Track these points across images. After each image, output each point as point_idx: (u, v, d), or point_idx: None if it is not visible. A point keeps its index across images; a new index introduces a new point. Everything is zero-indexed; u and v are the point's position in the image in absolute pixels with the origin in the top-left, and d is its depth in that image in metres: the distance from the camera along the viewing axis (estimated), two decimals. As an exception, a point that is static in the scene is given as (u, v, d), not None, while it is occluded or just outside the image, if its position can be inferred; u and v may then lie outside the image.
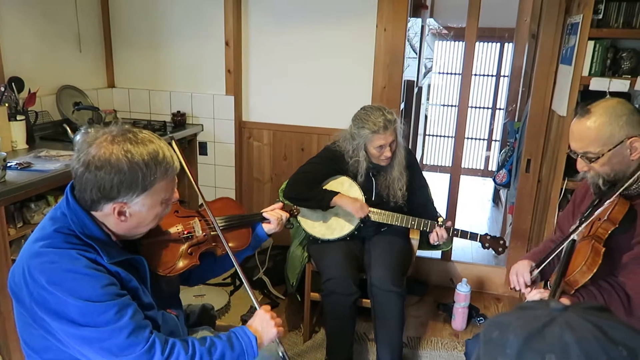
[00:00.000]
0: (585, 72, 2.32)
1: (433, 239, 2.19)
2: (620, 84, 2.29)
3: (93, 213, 1.17)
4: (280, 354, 1.45)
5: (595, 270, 1.36)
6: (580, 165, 1.47)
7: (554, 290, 1.34)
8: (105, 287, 1.10)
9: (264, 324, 1.32)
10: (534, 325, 0.50)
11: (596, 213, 1.47)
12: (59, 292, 1.07)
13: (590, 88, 2.32)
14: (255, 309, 1.40)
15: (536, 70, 2.74)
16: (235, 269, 1.54)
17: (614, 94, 2.31)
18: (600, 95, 2.33)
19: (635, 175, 1.42)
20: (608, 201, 1.45)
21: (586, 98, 2.45)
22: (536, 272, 1.59)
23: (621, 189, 1.42)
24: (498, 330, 0.52)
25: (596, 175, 1.45)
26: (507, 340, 0.50)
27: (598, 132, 1.38)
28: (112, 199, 1.13)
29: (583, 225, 1.48)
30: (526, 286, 1.57)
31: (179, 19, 3.10)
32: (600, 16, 2.29)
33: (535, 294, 1.34)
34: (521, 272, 1.59)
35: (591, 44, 2.28)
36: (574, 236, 1.48)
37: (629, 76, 2.34)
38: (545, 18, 2.65)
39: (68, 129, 2.55)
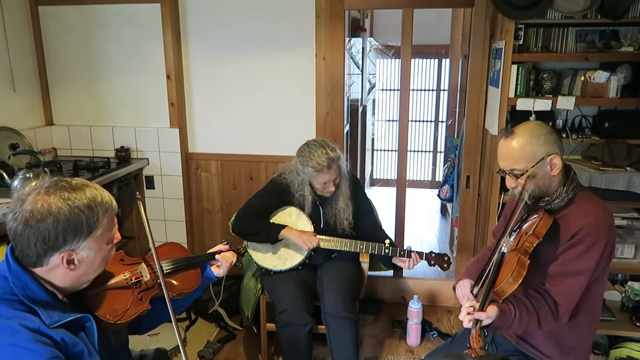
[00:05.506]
0: (512, 94, 2.48)
1: (410, 266, 2.24)
2: (544, 104, 2.47)
3: (37, 271, 1.15)
4: None
5: (520, 281, 1.50)
6: (509, 182, 1.61)
7: (483, 300, 1.48)
8: None
9: None
10: None
11: (524, 227, 1.62)
12: None
13: (517, 108, 2.48)
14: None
15: (468, 91, 2.89)
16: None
17: (539, 113, 2.49)
18: (527, 114, 2.51)
19: (557, 192, 1.58)
20: (533, 217, 1.60)
21: (515, 117, 2.62)
22: (476, 289, 1.71)
23: (544, 205, 1.57)
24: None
25: (523, 191, 1.59)
26: None
27: (522, 150, 1.53)
28: (58, 248, 1.13)
29: (512, 238, 1.61)
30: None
31: (118, 54, 3.06)
32: (521, 41, 2.47)
33: (467, 303, 1.49)
34: (464, 293, 1.72)
35: (514, 67, 2.45)
36: (503, 249, 1.60)
37: (551, 95, 2.53)
38: (473, 42, 2.81)
39: (4, 174, 2.46)
